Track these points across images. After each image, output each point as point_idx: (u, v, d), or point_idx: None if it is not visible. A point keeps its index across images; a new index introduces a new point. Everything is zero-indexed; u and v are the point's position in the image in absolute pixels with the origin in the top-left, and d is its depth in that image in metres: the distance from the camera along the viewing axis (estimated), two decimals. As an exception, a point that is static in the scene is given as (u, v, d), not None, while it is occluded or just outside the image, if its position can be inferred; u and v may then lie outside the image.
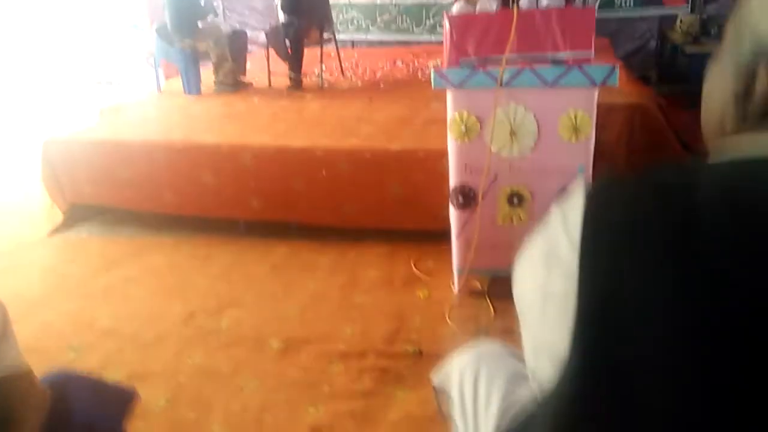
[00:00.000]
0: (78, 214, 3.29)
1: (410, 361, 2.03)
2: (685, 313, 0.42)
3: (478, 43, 1.85)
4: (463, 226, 2.20)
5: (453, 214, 2.19)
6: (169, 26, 3.96)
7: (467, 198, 2.11)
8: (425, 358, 2.03)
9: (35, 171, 3.23)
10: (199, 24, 4.01)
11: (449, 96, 1.93)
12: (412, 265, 2.63)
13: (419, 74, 4.51)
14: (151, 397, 1.87)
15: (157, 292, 2.56)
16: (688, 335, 0.42)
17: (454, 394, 0.92)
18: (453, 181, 2.10)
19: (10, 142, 3.44)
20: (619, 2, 5.21)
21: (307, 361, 2.05)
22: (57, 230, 3.22)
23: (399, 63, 5.09)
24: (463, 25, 1.84)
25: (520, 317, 0.58)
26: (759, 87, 0.48)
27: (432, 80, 1.88)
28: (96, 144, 3.08)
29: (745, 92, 0.49)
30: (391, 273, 2.59)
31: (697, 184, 0.45)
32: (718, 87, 0.53)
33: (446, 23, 1.85)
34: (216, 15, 4.77)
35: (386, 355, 2.05)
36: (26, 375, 0.95)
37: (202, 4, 4.07)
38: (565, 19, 1.86)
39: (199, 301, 2.45)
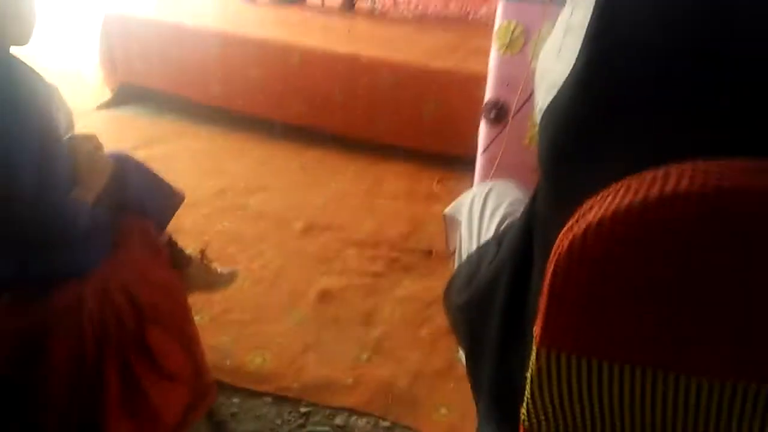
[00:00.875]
0: (126, 93, 3.44)
1: (420, 257, 2.16)
2: (676, 26, 0.51)
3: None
4: (490, 143, 2.27)
5: (482, 129, 2.26)
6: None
7: (499, 113, 2.18)
8: (434, 257, 2.16)
9: (92, 44, 3.37)
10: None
11: (500, 4, 1.99)
12: (435, 183, 2.73)
13: (470, 15, 4.52)
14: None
15: (193, 169, 2.71)
16: (686, 35, 0.50)
17: (464, 210, 1.03)
18: (488, 95, 2.16)
19: (73, 11, 3.58)
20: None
21: (325, 242, 2.19)
22: (105, 106, 3.38)
23: (452, 3, 5.09)
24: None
25: (539, 76, 0.67)
26: None
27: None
28: (154, 24, 3.20)
29: None
30: (413, 187, 2.70)
31: None
32: None
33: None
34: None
35: (398, 248, 2.18)
36: (95, 138, 1.09)
37: None
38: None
39: (230, 181, 2.60)
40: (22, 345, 0.98)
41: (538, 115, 0.66)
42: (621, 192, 0.39)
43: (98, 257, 1.02)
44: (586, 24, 0.56)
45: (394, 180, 2.75)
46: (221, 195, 2.47)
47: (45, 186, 0.90)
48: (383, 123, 2.92)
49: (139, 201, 1.18)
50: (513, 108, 2.15)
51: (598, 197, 0.42)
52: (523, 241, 0.71)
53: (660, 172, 0.38)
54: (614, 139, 0.52)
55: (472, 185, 2.41)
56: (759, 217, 0.35)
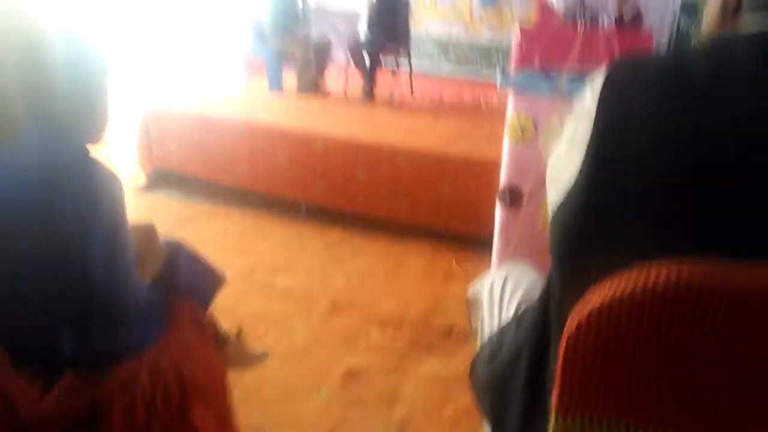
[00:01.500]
0: (160, 178, 3.67)
1: (442, 336, 2.22)
2: (667, 134, 0.62)
3: (544, 54, 2.09)
4: (506, 226, 2.39)
5: (498, 213, 2.39)
6: (267, 27, 4.39)
7: (514, 198, 2.32)
8: (456, 336, 2.22)
9: (128, 134, 3.64)
10: (293, 30, 4.43)
11: (511, 98, 2.17)
12: (454, 262, 2.83)
13: (483, 104, 4.78)
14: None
15: (223, 249, 2.84)
16: (670, 151, 0.61)
17: (485, 292, 1.13)
18: (503, 181, 2.31)
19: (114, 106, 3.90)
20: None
21: (349, 321, 2.28)
22: (140, 190, 3.60)
23: (466, 93, 5.39)
24: (531, 35, 2.09)
25: (549, 181, 0.79)
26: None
27: (498, 81, 2.12)
28: (188, 116, 3.46)
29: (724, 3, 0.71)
30: (433, 266, 2.80)
31: (684, 56, 0.66)
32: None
33: (516, 32, 2.11)
34: (310, 25, 5.15)
35: (421, 327, 2.26)
36: (153, 228, 1.22)
37: (300, 8, 4.49)
38: (625, 39, 2.08)
39: (258, 261, 2.73)
40: (81, 422, 1.06)
41: (550, 213, 0.78)
42: (614, 284, 0.50)
43: (153, 336, 1.12)
44: (587, 139, 0.68)
45: (414, 259, 2.86)
46: (250, 274, 2.59)
47: (113, 271, 1.02)
48: (403, 205, 3.07)
49: (188, 283, 1.30)
50: (526, 194, 2.29)
51: (598, 288, 0.52)
52: (541, 323, 0.80)
53: (644, 270, 0.49)
54: (613, 238, 0.63)
55: (490, 266, 2.50)
56: (718, 310, 0.45)
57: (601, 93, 0.67)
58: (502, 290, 1.10)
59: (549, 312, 0.78)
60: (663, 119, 0.63)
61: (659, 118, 0.62)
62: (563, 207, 0.69)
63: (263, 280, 2.55)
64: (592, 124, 0.67)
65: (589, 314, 0.50)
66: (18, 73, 0.93)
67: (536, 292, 1.06)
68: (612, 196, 0.64)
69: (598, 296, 0.51)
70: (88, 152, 1.00)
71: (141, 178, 3.65)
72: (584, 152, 0.67)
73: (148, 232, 1.18)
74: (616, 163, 0.64)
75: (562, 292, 0.71)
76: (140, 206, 3.40)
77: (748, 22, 0.67)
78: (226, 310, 2.26)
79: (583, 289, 0.59)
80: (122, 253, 1.04)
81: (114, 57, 1.08)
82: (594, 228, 0.65)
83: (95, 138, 1.06)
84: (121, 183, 1.10)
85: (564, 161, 0.74)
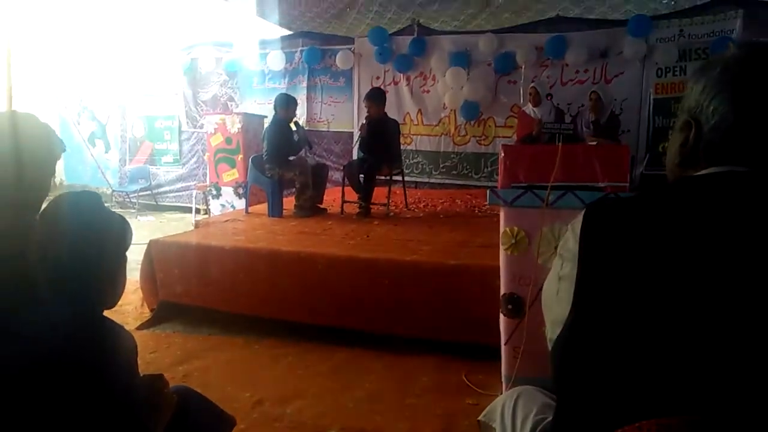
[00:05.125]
0: (164, 311, 3.69)
1: (458, 457, 2.15)
2: (637, 272, 0.68)
3: (528, 170, 2.21)
4: (512, 334, 2.39)
5: (502, 322, 2.41)
6: (264, 157, 4.63)
7: (516, 306, 2.34)
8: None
9: (131, 270, 3.71)
10: (290, 157, 4.67)
11: (502, 213, 2.27)
12: (464, 375, 2.79)
13: (476, 210, 4.93)
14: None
15: (229, 381, 2.81)
16: (640, 285, 0.67)
17: (497, 416, 1.14)
18: (503, 289, 2.35)
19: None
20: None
21: (362, 448, 2.21)
22: (145, 326, 3.61)
23: (458, 201, 5.57)
24: (515, 154, 2.22)
25: (545, 309, 0.85)
26: (687, 147, 0.79)
27: (487, 198, 2.23)
28: (190, 247, 3.56)
29: (680, 152, 0.80)
30: (442, 380, 2.76)
31: (651, 197, 0.74)
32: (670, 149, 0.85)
33: (501, 152, 2.25)
34: (311, 147, 5.42)
35: (436, 449, 2.18)
36: (163, 377, 1.25)
37: (296, 139, 4.76)
38: (604, 154, 2.21)
39: (265, 391, 2.68)
40: None
41: (549, 344, 0.82)
42: None
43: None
44: (574, 276, 0.74)
45: (423, 375, 2.81)
46: (258, 406, 2.54)
47: (128, 422, 1.03)
48: (407, 318, 3.08)
49: (198, 429, 1.30)
50: (528, 301, 2.32)
51: None
52: None
53: (635, 426, 0.54)
54: (606, 380, 0.67)
55: (500, 376, 2.47)
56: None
57: (582, 235, 0.74)
58: (513, 415, 1.10)
59: None
60: (637, 257, 0.69)
61: (634, 256, 0.69)
62: (558, 346, 0.74)
63: (271, 412, 2.49)
64: (576, 263, 0.74)
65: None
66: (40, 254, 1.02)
67: (547, 414, 1.07)
68: (600, 337, 0.69)
69: None
70: (101, 317, 1.06)
71: (145, 313, 3.68)
72: (572, 286, 0.74)
73: (157, 384, 1.21)
74: (602, 303, 0.70)
75: (566, 426, 0.73)
76: (145, 342, 3.38)
77: (704, 168, 0.77)
78: (235, 448, 2.21)
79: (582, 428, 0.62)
80: (136, 411, 1.06)
81: (130, 232, 1.18)
82: (586, 368, 0.70)
83: (110, 306, 1.13)
84: (132, 340, 1.14)
85: (554, 299, 0.80)
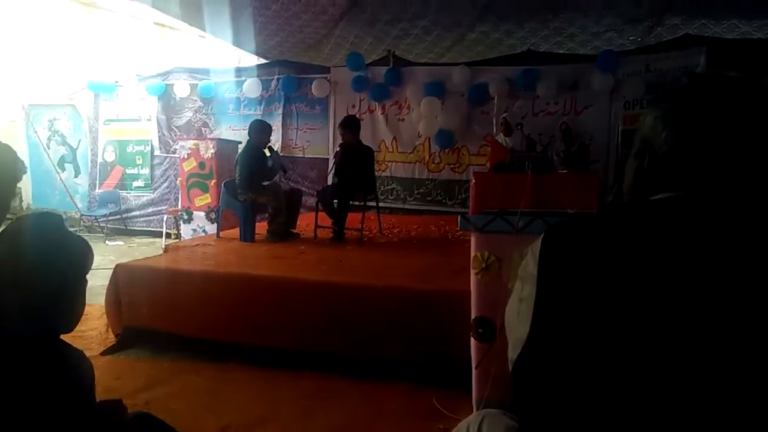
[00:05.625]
0: (129, 338, 3.59)
1: (429, 484, 2.11)
2: (592, 293, 0.70)
3: (499, 196, 2.25)
4: (482, 358, 2.39)
5: (473, 345, 2.41)
6: (237, 182, 4.60)
7: (486, 330, 2.35)
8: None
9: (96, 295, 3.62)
10: (264, 182, 4.65)
11: (473, 238, 2.29)
12: (435, 400, 2.76)
13: (449, 236, 4.96)
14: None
15: (195, 407, 2.73)
16: (596, 306, 0.69)
17: (463, 439, 1.12)
18: (474, 314, 2.35)
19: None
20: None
21: (331, 477, 2.16)
22: (108, 351, 3.50)
23: (432, 227, 5.59)
24: (487, 180, 2.26)
25: (507, 330, 0.86)
26: (642, 173, 0.82)
27: (459, 223, 2.25)
28: (158, 271, 3.49)
29: (635, 178, 0.83)
30: (413, 406, 2.72)
31: (607, 220, 0.76)
32: (627, 174, 0.87)
33: (473, 178, 2.28)
34: (285, 172, 5.41)
35: (406, 477, 2.15)
36: (121, 403, 1.21)
37: (270, 165, 4.75)
38: (572, 182, 2.26)
39: (232, 418, 2.61)
40: None
41: (510, 365, 0.82)
42: None
43: None
44: (533, 298, 0.75)
45: (393, 401, 2.78)
46: (223, 434, 2.47)
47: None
48: (379, 344, 3.05)
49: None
50: (499, 325, 2.32)
51: None
52: None
53: None
54: (561, 399, 0.68)
55: (472, 400, 2.46)
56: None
57: (541, 257, 0.75)
58: (478, 432, 1.09)
59: None
60: (593, 278, 0.71)
61: (590, 277, 0.71)
62: (518, 365, 0.75)
63: (237, 439, 2.43)
64: (536, 285, 0.75)
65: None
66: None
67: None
68: (558, 357, 0.70)
69: None
70: (59, 341, 1.04)
71: (110, 339, 3.57)
72: (532, 307, 0.75)
73: (116, 410, 1.17)
74: (558, 323, 0.71)
75: None
76: (109, 369, 3.28)
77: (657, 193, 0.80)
78: (199, 477, 2.14)
79: None
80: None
81: (91, 255, 1.16)
82: (545, 387, 0.70)
83: (68, 330, 1.11)
84: (90, 366, 1.11)
85: (515, 320, 0.80)
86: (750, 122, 0.73)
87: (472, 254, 2.30)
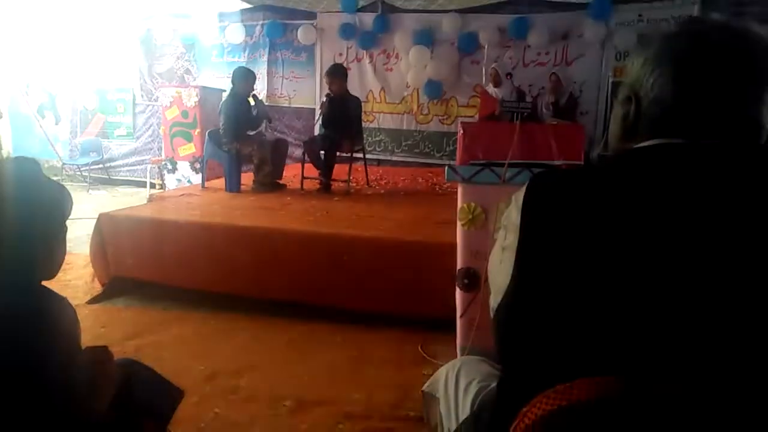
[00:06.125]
0: (116, 286, 3.59)
1: (412, 425, 2.18)
2: (575, 240, 0.70)
3: (486, 147, 2.23)
4: (467, 308, 2.43)
5: (458, 295, 2.44)
6: (221, 131, 4.52)
7: (471, 280, 2.38)
8: (427, 423, 2.18)
9: (81, 244, 3.60)
10: (249, 132, 4.57)
11: (460, 189, 2.28)
12: (420, 347, 2.83)
13: (437, 188, 4.95)
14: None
15: (183, 355, 2.77)
16: (578, 252, 0.69)
17: (440, 386, 1.15)
18: (459, 264, 2.38)
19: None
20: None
21: (317, 419, 2.21)
22: (95, 300, 3.51)
23: (419, 179, 5.58)
24: (474, 131, 2.24)
25: (489, 279, 0.86)
26: (628, 120, 0.80)
27: (446, 174, 2.24)
28: (143, 221, 3.47)
29: (622, 125, 0.82)
30: (399, 352, 2.79)
31: (592, 169, 0.75)
32: (613, 123, 0.86)
33: (460, 129, 2.25)
34: (270, 122, 5.32)
35: (390, 418, 2.21)
36: (107, 349, 1.21)
37: (255, 114, 4.66)
38: (559, 133, 2.25)
39: (220, 364, 2.65)
40: None
41: (491, 313, 0.83)
42: (544, 399, 0.57)
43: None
44: (516, 247, 0.75)
45: (380, 348, 2.84)
46: (211, 379, 2.51)
47: (68, 398, 1.00)
48: (365, 293, 3.09)
49: (144, 402, 1.27)
50: (483, 275, 2.35)
51: (535, 401, 0.58)
52: (496, 422, 0.82)
53: (567, 385, 0.55)
54: (543, 344, 0.68)
55: (456, 347, 2.52)
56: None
57: (524, 206, 0.75)
58: (456, 384, 1.12)
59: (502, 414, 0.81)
60: (576, 225, 0.70)
61: (574, 224, 0.70)
62: (499, 312, 0.75)
63: (226, 384, 2.47)
64: (518, 233, 0.74)
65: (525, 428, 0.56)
66: None
67: (491, 382, 1.09)
68: (539, 303, 0.70)
69: (530, 410, 0.58)
70: (39, 287, 1.02)
71: (96, 288, 3.57)
72: (514, 256, 0.75)
73: (101, 357, 1.17)
74: (541, 271, 0.71)
75: (507, 395, 0.75)
76: (96, 317, 3.30)
77: (644, 141, 0.79)
78: (189, 418, 2.19)
79: (525, 393, 0.63)
80: (74, 381, 1.03)
81: (69, 201, 1.13)
82: (526, 333, 0.71)
83: (49, 276, 1.09)
84: (74, 312, 1.11)
85: (498, 268, 0.80)
86: (739, 66, 0.72)
87: (459, 205, 2.30)
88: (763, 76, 0.72)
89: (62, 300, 1.07)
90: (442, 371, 1.22)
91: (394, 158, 7.34)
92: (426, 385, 1.28)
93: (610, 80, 6.34)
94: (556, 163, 2.23)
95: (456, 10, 6.83)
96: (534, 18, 6.47)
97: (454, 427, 1.05)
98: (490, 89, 6.19)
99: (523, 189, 0.78)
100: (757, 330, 0.61)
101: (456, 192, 2.38)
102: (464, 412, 1.07)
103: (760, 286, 0.62)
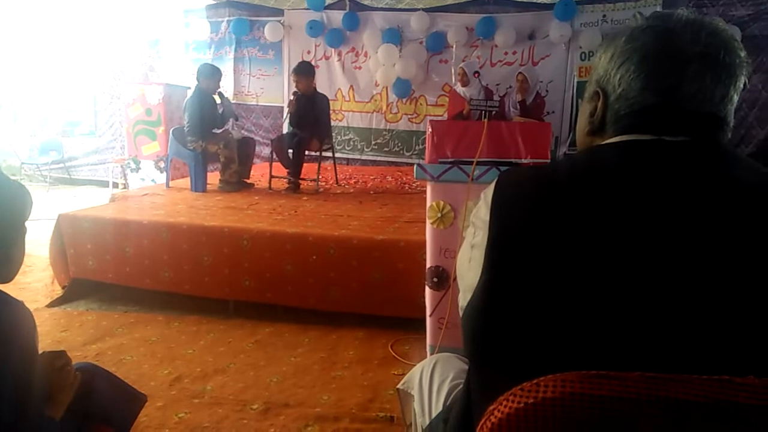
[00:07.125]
0: (77, 289, 3.48)
1: (382, 426, 2.17)
2: (544, 236, 0.69)
3: (454, 145, 2.23)
4: (437, 306, 2.43)
5: (428, 294, 2.43)
6: (186, 129, 4.42)
7: (441, 279, 2.37)
8: (397, 422, 2.17)
9: (41, 246, 3.47)
10: (215, 130, 4.48)
11: (428, 187, 2.28)
12: (390, 347, 2.81)
13: (406, 187, 4.95)
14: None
15: (146, 359, 2.70)
16: (547, 249, 0.68)
17: (415, 383, 1.14)
18: (428, 263, 2.37)
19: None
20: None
21: (285, 422, 2.18)
22: (56, 303, 3.39)
23: (388, 178, 5.57)
24: (443, 130, 2.23)
25: (458, 277, 0.85)
26: (595, 117, 0.80)
27: (414, 173, 2.23)
28: (104, 221, 3.36)
29: (589, 122, 0.81)
30: (368, 352, 2.77)
31: (559, 167, 0.74)
32: (580, 119, 0.86)
33: (429, 128, 2.24)
34: (237, 119, 5.23)
35: (360, 420, 2.19)
36: (65, 354, 1.16)
37: (221, 112, 4.57)
38: (526, 131, 2.26)
39: (185, 368, 2.59)
40: None
41: (460, 311, 0.81)
42: (510, 397, 0.55)
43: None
44: (485, 244, 0.74)
45: (349, 348, 2.82)
46: (176, 383, 2.45)
47: (22, 406, 0.95)
48: (334, 293, 3.06)
49: (104, 409, 1.22)
50: (453, 273, 2.35)
51: (502, 399, 0.57)
52: (464, 421, 0.81)
53: (533, 383, 0.54)
54: (512, 341, 0.67)
55: (425, 346, 2.51)
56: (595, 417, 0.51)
57: (493, 203, 0.74)
58: (430, 381, 1.11)
59: (472, 407, 0.80)
60: (545, 221, 0.70)
61: (538, 222, 0.69)
62: (470, 308, 0.74)
63: (191, 388, 2.41)
64: (488, 230, 0.73)
65: (493, 425, 0.55)
66: None
67: (462, 381, 1.08)
68: (508, 301, 0.69)
69: (499, 407, 0.57)
70: None
71: (56, 291, 3.46)
72: (483, 254, 0.73)
73: (59, 362, 1.12)
74: (510, 267, 0.70)
75: (475, 392, 0.74)
76: (56, 321, 3.19)
77: (611, 137, 0.78)
78: (153, 423, 2.13)
79: (493, 391, 0.62)
80: (31, 387, 0.98)
81: (29, 201, 1.08)
82: (494, 330, 0.70)
83: (6, 280, 1.04)
84: (30, 317, 1.06)
85: (466, 266, 0.79)
86: (705, 61, 0.72)
87: (428, 204, 2.29)
88: (729, 72, 0.73)
89: (18, 304, 1.02)
90: (417, 368, 1.21)
91: (364, 157, 7.31)
92: (401, 382, 1.27)
93: (575, 80, 6.45)
94: (524, 161, 2.25)
95: (424, 9, 6.84)
96: (501, 18, 6.53)
97: (427, 423, 1.04)
98: (458, 88, 6.22)
99: (492, 186, 0.77)
100: (720, 319, 0.61)
101: (425, 190, 2.38)
102: (437, 408, 1.06)
103: (721, 280, 0.62)
